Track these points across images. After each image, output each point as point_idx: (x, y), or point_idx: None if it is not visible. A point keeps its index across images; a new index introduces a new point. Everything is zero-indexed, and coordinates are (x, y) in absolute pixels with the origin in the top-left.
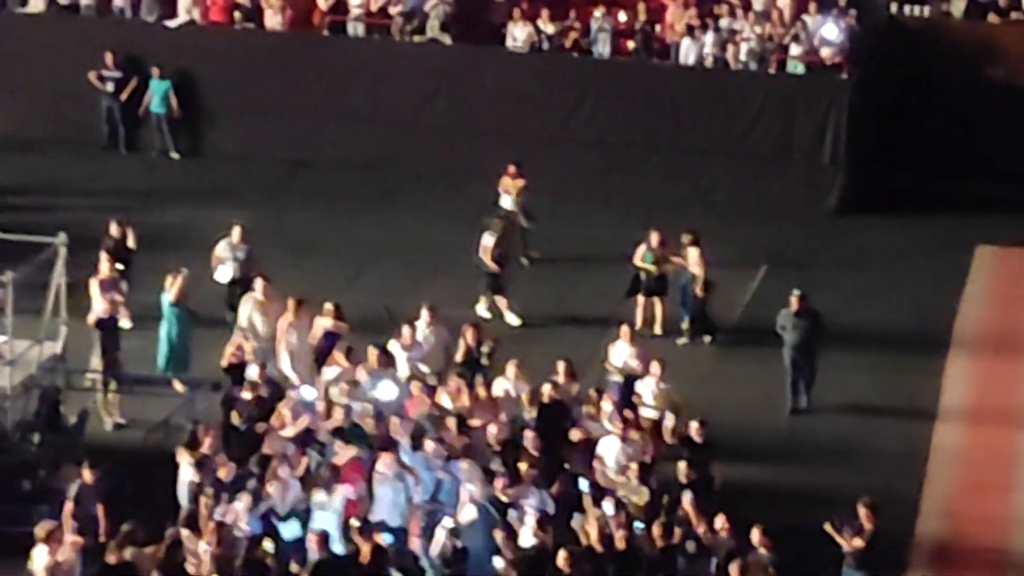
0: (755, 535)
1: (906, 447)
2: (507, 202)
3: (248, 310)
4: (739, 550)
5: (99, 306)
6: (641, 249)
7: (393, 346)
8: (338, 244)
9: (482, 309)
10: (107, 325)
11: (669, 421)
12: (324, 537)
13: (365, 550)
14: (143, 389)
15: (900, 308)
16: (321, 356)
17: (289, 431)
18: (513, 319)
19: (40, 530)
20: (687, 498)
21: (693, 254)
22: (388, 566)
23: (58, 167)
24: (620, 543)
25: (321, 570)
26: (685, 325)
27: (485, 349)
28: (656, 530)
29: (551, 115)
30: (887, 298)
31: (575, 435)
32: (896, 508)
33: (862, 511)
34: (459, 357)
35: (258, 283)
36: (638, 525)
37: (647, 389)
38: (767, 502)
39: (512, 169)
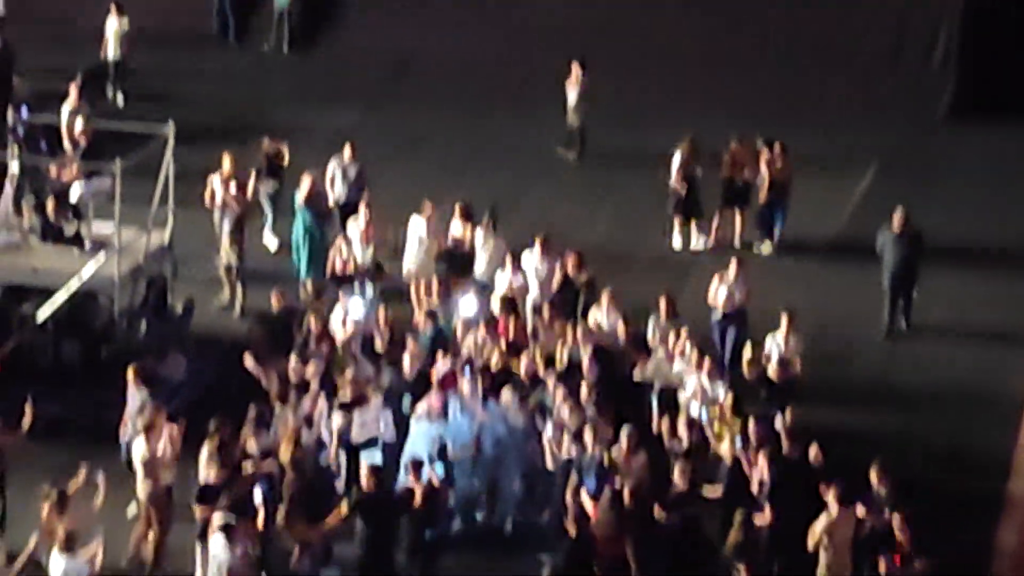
0: (873, 474)
1: (1010, 386)
2: (571, 97)
3: (349, 231)
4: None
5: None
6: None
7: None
8: (445, 144)
9: (676, 239)
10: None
11: (748, 354)
12: (375, 470)
13: (418, 490)
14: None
15: (1011, 222)
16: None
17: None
18: (677, 242)
19: (140, 420)
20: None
21: (764, 159)
22: (441, 508)
23: (168, 57)
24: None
25: (363, 505)
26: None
27: (583, 279)
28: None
29: (660, 18)
30: (997, 210)
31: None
32: (986, 459)
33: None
34: (555, 285)
35: (362, 210)
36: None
37: (774, 346)
38: (854, 437)
39: (576, 68)
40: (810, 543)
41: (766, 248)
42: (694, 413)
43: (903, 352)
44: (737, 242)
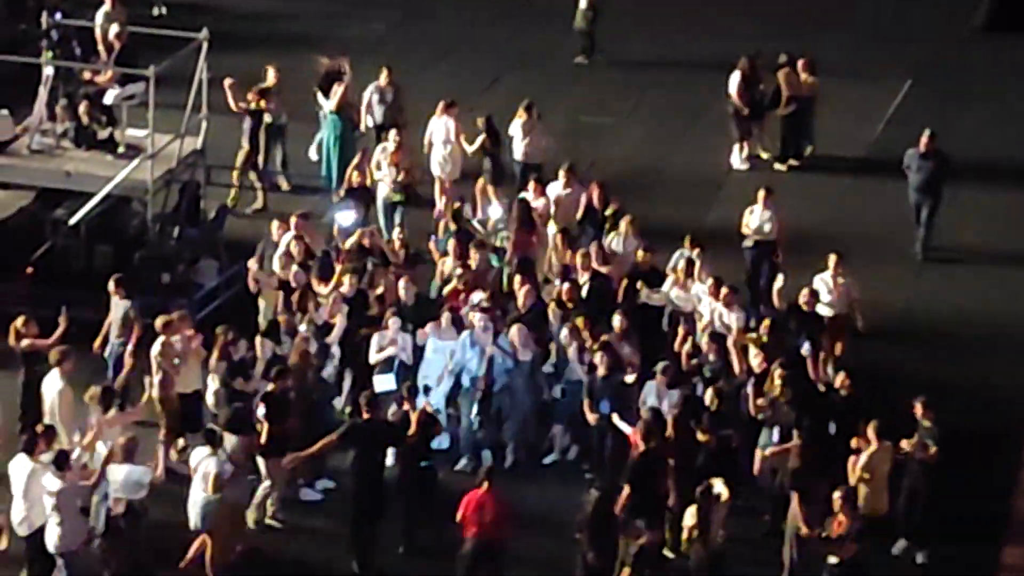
0: (918, 408)
1: None
2: (582, 1)
3: (377, 154)
4: (861, 406)
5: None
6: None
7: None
8: (478, 49)
9: (737, 159)
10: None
11: (779, 283)
12: (372, 399)
13: (414, 418)
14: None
15: None
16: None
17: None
18: (736, 161)
19: (158, 320)
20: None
21: (784, 75)
22: (432, 438)
23: None
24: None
25: (355, 433)
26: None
27: (608, 211)
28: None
29: None
30: None
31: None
32: (1013, 390)
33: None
34: (579, 214)
35: (392, 135)
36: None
37: (822, 285)
38: (880, 365)
39: None
40: (851, 477)
41: (780, 165)
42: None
43: (930, 274)
44: (763, 153)
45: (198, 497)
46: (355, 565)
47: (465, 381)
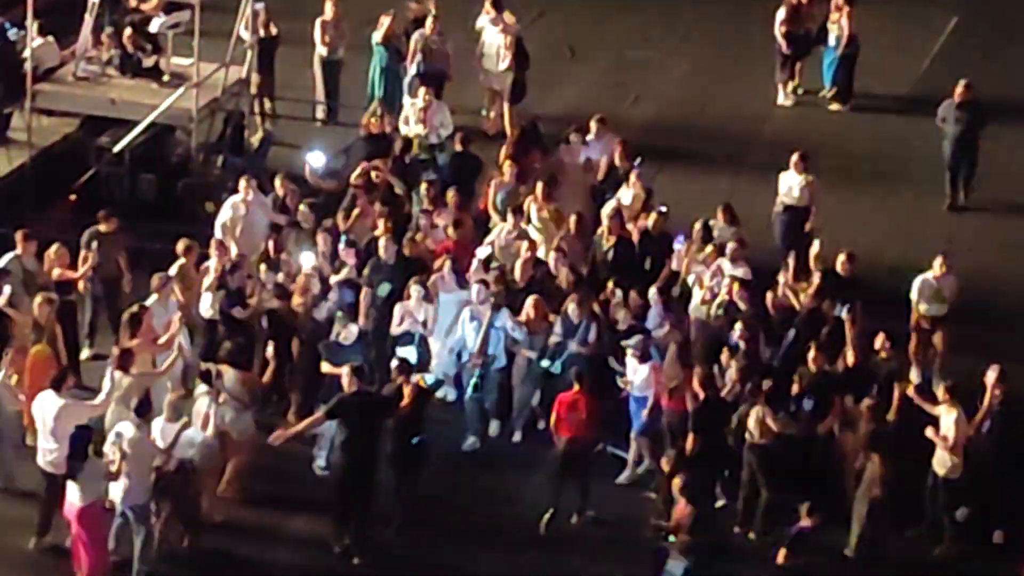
0: (992, 375)
1: None
2: None
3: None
4: (900, 372)
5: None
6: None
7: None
8: None
9: (782, 96)
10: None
11: (815, 248)
12: (357, 371)
13: (407, 391)
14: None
15: None
16: None
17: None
18: (781, 97)
19: (180, 244)
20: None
21: (848, 13)
22: (424, 411)
23: None
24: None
25: (342, 408)
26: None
27: (629, 166)
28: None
29: None
30: None
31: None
32: None
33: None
34: (600, 175)
35: (422, 92)
36: None
37: (926, 286)
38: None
39: None
40: (938, 443)
41: (836, 105)
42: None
43: (966, 226)
44: (800, 91)
45: (195, 435)
46: (338, 543)
47: (464, 356)
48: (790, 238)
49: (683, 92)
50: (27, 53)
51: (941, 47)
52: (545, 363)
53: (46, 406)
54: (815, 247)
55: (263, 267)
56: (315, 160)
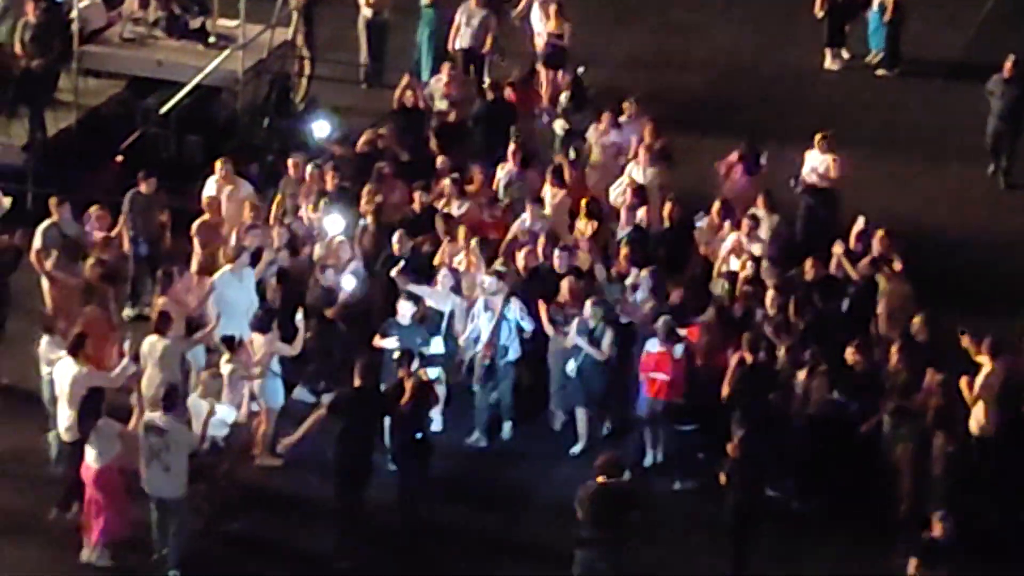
0: None
1: None
2: None
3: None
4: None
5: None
6: None
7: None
8: None
9: (829, 60)
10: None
11: (838, 248)
12: (365, 367)
13: (408, 385)
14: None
15: None
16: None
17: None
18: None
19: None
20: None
21: None
22: (429, 407)
23: None
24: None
25: (343, 404)
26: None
27: (658, 145)
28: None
29: None
30: None
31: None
32: None
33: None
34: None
35: (446, 67)
36: None
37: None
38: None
39: None
40: (968, 398)
41: (884, 71)
42: (733, 266)
43: (1010, 196)
44: (845, 54)
45: (227, 414)
46: (336, 541)
47: (477, 347)
48: (811, 219)
49: (729, 55)
50: (74, 14)
51: (987, 15)
52: (571, 366)
53: (63, 373)
54: (859, 223)
55: (276, 229)
56: (320, 130)
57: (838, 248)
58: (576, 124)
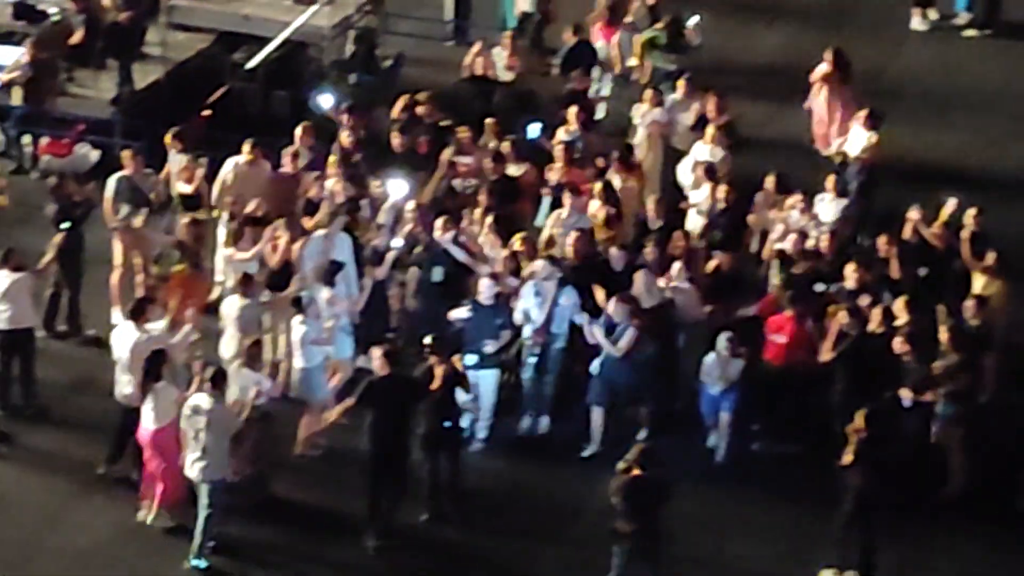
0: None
1: None
2: None
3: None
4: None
5: None
6: None
7: (637, 109)
8: None
9: (917, 21)
10: None
11: (914, 214)
12: (388, 354)
13: (439, 372)
14: None
15: None
16: None
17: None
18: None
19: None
20: None
21: None
22: (455, 396)
23: None
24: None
25: (372, 392)
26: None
27: (721, 122)
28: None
29: None
30: None
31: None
32: None
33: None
34: (691, 121)
35: (506, 36)
36: None
37: None
38: None
39: None
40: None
41: (972, 31)
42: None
43: None
44: (934, 15)
45: (265, 383)
46: (370, 535)
47: (527, 333)
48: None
49: (816, 16)
50: None
51: None
52: (594, 366)
53: (123, 338)
54: (913, 213)
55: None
56: (324, 102)
57: (914, 214)
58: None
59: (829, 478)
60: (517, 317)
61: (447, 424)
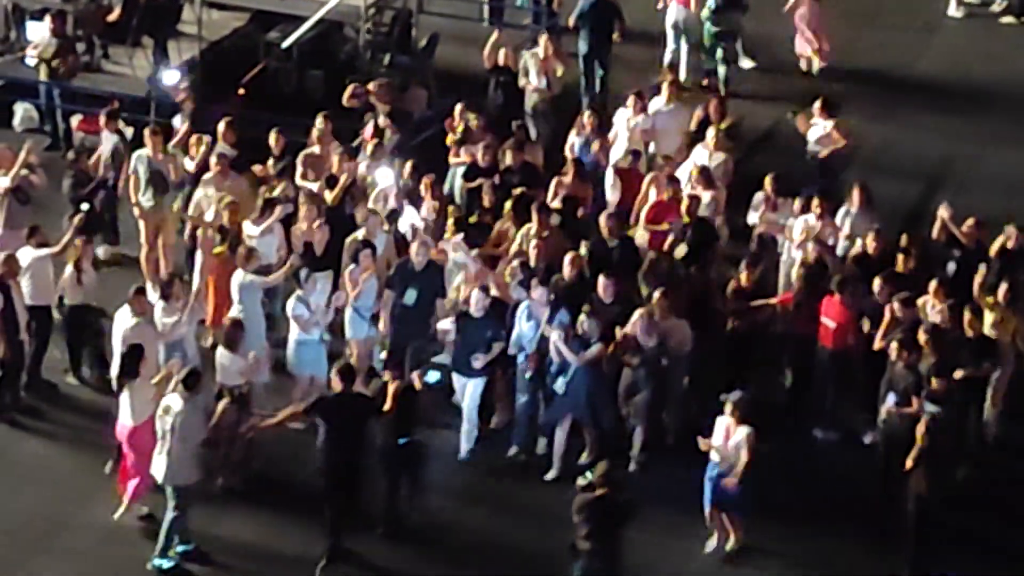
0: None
1: None
2: None
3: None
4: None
5: None
6: None
7: (620, 115)
8: None
9: (953, 7)
10: None
11: (944, 211)
12: (344, 371)
13: (391, 390)
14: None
15: None
16: None
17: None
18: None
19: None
20: None
21: None
22: (417, 414)
23: None
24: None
25: (324, 406)
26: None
27: (723, 125)
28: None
29: None
30: None
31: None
32: None
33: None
34: (693, 126)
35: (543, 39)
36: None
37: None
38: None
39: None
40: None
41: (1009, 18)
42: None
43: None
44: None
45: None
46: (324, 551)
47: (521, 358)
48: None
49: (851, 1)
50: None
51: None
52: (559, 384)
53: (120, 322)
54: (944, 210)
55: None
56: (169, 78)
57: (944, 212)
58: (726, 24)
59: None
60: (512, 345)
61: (402, 441)
